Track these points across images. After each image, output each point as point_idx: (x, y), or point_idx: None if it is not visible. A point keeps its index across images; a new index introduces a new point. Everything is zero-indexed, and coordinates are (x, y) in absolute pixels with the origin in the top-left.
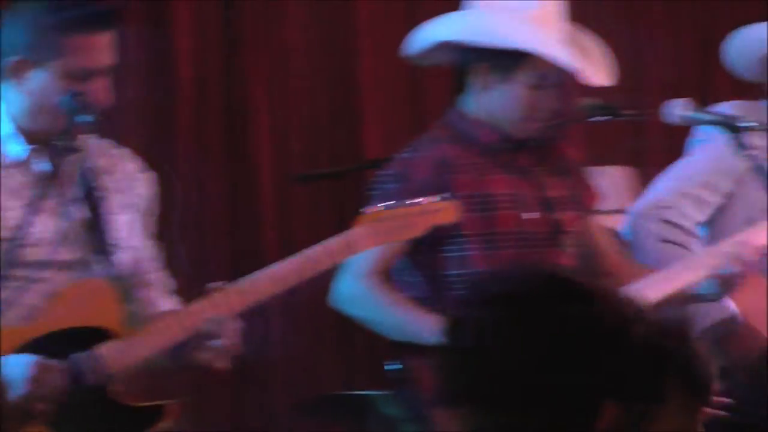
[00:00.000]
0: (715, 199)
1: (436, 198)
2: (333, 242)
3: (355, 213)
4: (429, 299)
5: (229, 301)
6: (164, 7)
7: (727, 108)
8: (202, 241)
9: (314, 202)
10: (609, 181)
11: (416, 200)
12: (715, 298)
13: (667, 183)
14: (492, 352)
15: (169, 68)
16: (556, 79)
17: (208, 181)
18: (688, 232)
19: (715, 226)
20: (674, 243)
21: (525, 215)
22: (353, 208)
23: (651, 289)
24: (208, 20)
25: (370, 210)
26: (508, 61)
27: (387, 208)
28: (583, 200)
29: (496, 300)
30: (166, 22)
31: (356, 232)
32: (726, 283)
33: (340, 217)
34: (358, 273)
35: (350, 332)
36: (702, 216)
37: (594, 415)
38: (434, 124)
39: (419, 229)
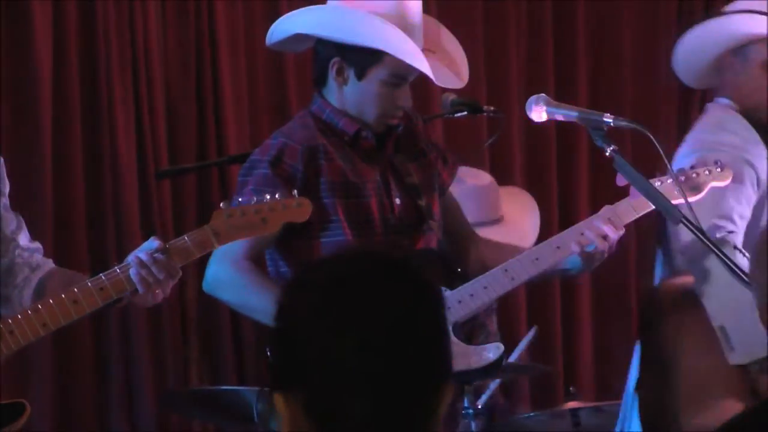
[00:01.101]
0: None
1: (288, 195)
2: (194, 235)
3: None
4: None
5: None
6: (23, 1)
7: None
8: (63, 235)
9: (178, 197)
10: (476, 194)
11: (268, 197)
12: (579, 273)
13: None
14: (310, 336)
15: (28, 60)
16: (412, 77)
17: (69, 176)
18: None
19: None
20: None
21: (392, 201)
22: (217, 203)
23: (520, 269)
24: (68, 13)
25: (227, 205)
26: (364, 58)
27: (240, 204)
28: (443, 181)
29: (312, 285)
30: (24, 16)
31: (215, 226)
32: (589, 260)
33: (204, 212)
34: (230, 258)
35: (217, 327)
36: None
37: (434, 398)
38: (301, 112)
39: (272, 226)
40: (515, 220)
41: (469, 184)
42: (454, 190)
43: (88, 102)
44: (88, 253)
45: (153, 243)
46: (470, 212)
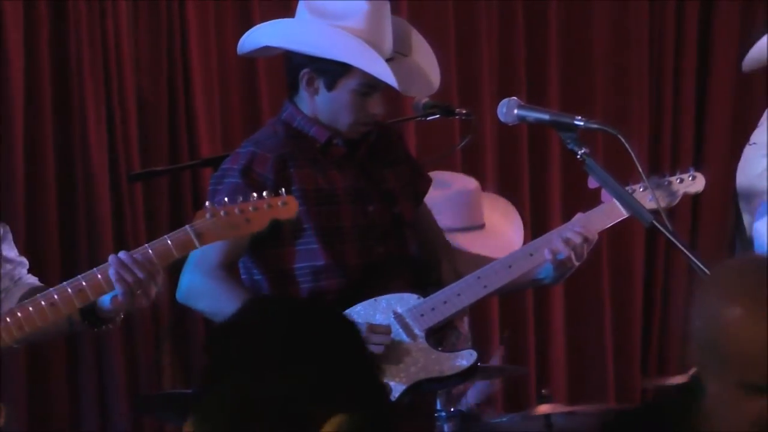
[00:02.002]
0: None
1: (275, 194)
2: (176, 235)
3: (192, 210)
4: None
5: None
6: None
7: None
8: (35, 238)
9: (150, 200)
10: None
11: (255, 196)
12: (552, 283)
13: None
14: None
15: None
16: (381, 85)
17: (41, 179)
18: None
19: None
20: None
21: (365, 208)
22: (190, 206)
23: (494, 277)
24: (39, 15)
25: (210, 205)
26: (333, 69)
27: (226, 203)
28: (418, 189)
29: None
30: None
31: (197, 226)
32: (561, 268)
33: (177, 215)
34: (203, 267)
35: (189, 330)
36: None
37: (310, 424)
38: (272, 119)
39: (259, 224)
40: (498, 227)
41: (455, 187)
42: (439, 194)
43: (60, 105)
44: (60, 256)
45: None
46: (454, 217)
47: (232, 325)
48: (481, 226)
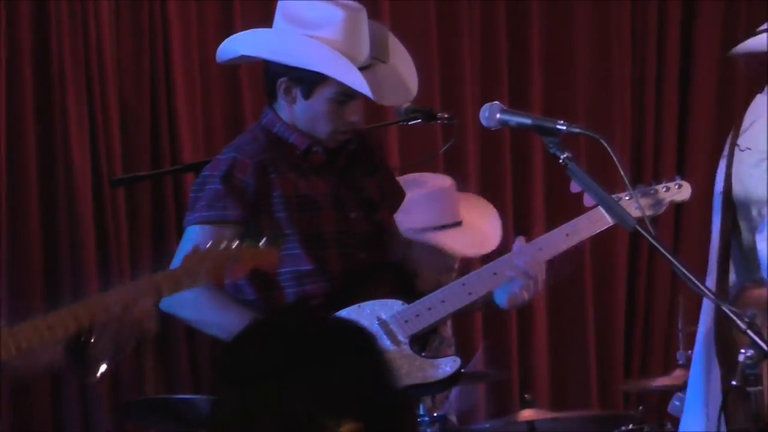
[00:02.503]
0: None
1: (258, 241)
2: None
3: (175, 214)
4: (257, 301)
5: None
6: None
7: None
8: (16, 242)
9: (132, 204)
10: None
11: (238, 243)
12: (504, 308)
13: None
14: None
15: None
16: (357, 93)
17: (23, 184)
18: None
19: None
20: None
21: (347, 214)
22: (172, 210)
23: (479, 283)
24: (20, 18)
25: (193, 251)
26: (309, 77)
27: (210, 248)
28: (393, 198)
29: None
30: None
31: (181, 270)
32: (513, 297)
33: (159, 219)
34: None
35: (172, 337)
36: None
37: None
38: (252, 125)
39: (240, 273)
40: (476, 224)
41: (430, 186)
42: (415, 193)
43: (42, 108)
44: (42, 260)
45: None
46: (431, 214)
47: (243, 338)
48: (458, 224)
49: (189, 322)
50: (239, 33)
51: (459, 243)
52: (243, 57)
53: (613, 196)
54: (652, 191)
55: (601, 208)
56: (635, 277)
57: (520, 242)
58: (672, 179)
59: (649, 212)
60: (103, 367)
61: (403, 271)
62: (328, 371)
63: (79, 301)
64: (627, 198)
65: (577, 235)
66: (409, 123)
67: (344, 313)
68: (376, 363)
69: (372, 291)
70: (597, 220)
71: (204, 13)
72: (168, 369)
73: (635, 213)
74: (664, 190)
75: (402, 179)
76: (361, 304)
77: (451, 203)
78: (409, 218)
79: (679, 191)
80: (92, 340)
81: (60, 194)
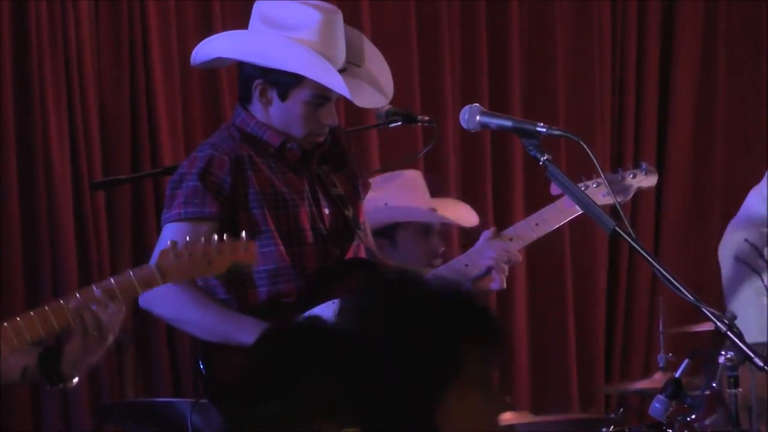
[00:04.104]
0: None
1: (237, 238)
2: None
3: (155, 218)
4: (228, 300)
5: None
6: None
7: None
8: None
9: (112, 207)
10: (401, 183)
11: (216, 239)
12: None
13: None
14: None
15: None
16: (335, 95)
17: (2, 187)
18: (762, 256)
19: None
20: (746, 263)
21: (322, 211)
22: (152, 213)
23: (454, 276)
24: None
25: (171, 246)
26: (285, 79)
27: (191, 244)
28: (361, 191)
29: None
30: None
31: (161, 265)
32: (479, 285)
33: (139, 223)
34: None
35: (152, 339)
36: None
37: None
38: (226, 124)
39: (220, 267)
40: (450, 209)
41: (398, 178)
42: (385, 187)
43: (21, 113)
44: (22, 264)
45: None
46: (418, 194)
47: (252, 348)
48: (433, 210)
49: (166, 320)
50: (214, 36)
51: (455, 216)
52: (217, 60)
53: (581, 183)
54: (618, 178)
55: (567, 197)
56: (615, 279)
57: (489, 234)
58: (638, 165)
59: (618, 198)
60: (76, 379)
61: (376, 267)
62: None
63: (50, 304)
64: (595, 186)
65: (546, 225)
66: (390, 126)
67: (318, 309)
68: (378, 373)
69: (346, 287)
70: (564, 209)
71: (184, 16)
72: (148, 372)
73: (604, 200)
74: (630, 176)
75: (372, 180)
76: (335, 300)
77: (421, 189)
78: (399, 197)
79: (646, 177)
80: (66, 346)
81: (40, 198)
